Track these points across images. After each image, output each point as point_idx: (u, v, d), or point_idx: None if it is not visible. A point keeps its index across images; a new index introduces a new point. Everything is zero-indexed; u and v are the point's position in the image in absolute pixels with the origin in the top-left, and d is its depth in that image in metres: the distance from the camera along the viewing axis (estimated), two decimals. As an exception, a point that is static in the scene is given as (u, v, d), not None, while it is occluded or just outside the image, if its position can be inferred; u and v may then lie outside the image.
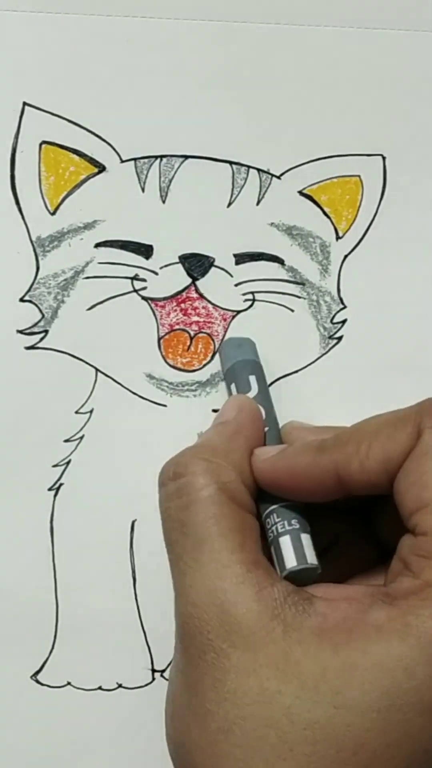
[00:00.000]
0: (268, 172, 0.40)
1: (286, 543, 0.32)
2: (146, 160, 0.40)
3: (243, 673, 0.28)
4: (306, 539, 0.33)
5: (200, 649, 0.29)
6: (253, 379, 0.38)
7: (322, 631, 0.28)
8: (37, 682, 0.40)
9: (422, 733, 0.27)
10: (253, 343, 0.40)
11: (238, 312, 0.40)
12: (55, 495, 0.40)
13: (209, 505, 0.31)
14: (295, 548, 0.32)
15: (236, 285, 0.40)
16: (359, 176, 0.40)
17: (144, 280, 0.40)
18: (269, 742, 0.27)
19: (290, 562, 0.32)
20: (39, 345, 0.40)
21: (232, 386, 0.38)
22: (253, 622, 0.28)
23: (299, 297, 0.41)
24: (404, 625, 0.27)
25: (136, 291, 0.40)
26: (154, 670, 0.40)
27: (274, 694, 0.27)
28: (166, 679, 0.40)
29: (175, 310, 0.40)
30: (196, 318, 0.40)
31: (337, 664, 0.27)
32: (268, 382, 0.40)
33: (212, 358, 0.40)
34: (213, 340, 0.40)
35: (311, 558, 0.32)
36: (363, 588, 0.30)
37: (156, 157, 0.40)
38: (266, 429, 0.36)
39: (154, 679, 0.40)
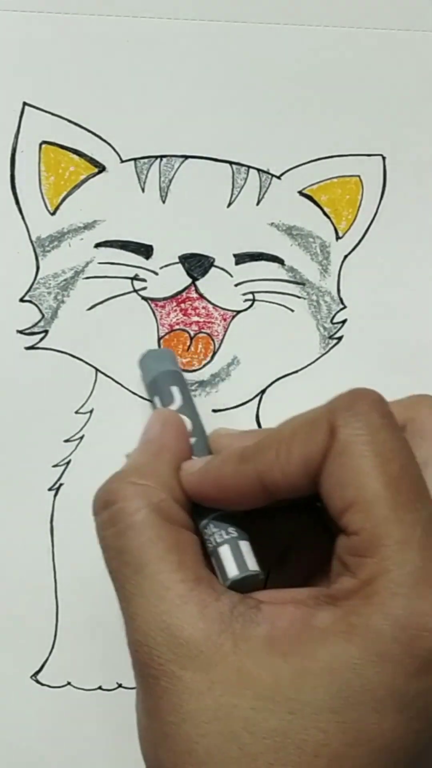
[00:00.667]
0: (268, 172, 0.40)
1: (225, 552, 0.32)
2: (146, 160, 0.40)
3: (197, 693, 0.28)
4: (245, 546, 0.32)
5: (153, 675, 0.29)
6: (175, 389, 0.37)
7: (271, 639, 0.28)
8: (37, 682, 0.40)
9: (380, 729, 0.27)
10: (172, 353, 0.39)
11: (238, 312, 0.40)
12: (55, 495, 0.40)
13: (144, 529, 0.31)
14: (235, 557, 0.32)
15: (236, 285, 0.40)
16: (359, 176, 0.40)
17: (144, 280, 0.40)
18: (232, 755, 0.27)
19: (231, 571, 0.31)
20: (39, 345, 0.40)
21: (156, 399, 0.37)
22: (201, 641, 0.28)
23: (299, 297, 0.41)
24: (348, 625, 0.27)
25: (136, 291, 0.40)
26: (154, 670, 0.40)
27: (230, 709, 0.27)
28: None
29: (175, 310, 0.40)
30: (196, 318, 0.40)
31: (288, 672, 0.27)
32: (269, 382, 0.40)
33: (212, 358, 0.40)
34: (213, 340, 0.40)
35: (252, 565, 0.32)
36: (308, 590, 0.30)
37: (156, 157, 0.40)
38: (193, 440, 0.36)
39: (154, 679, 0.40)
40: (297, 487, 0.30)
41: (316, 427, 0.30)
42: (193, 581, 0.30)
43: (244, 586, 0.31)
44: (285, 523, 0.35)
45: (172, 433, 0.35)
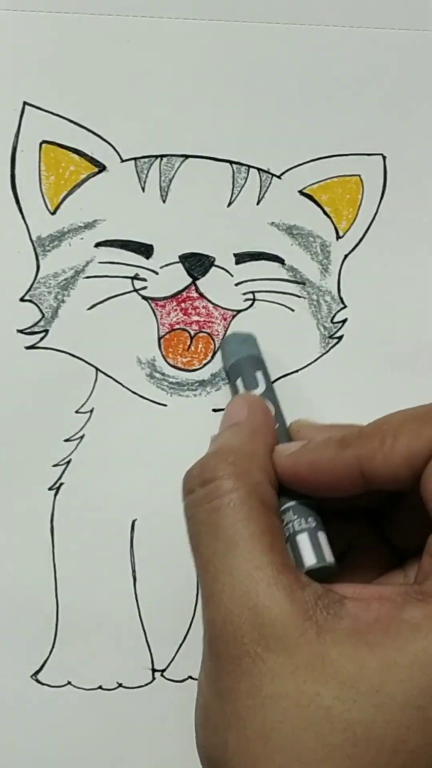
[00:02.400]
0: (268, 172, 0.40)
1: (303, 540, 0.32)
2: (146, 160, 0.40)
3: (280, 676, 0.27)
4: (323, 537, 0.32)
5: (234, 654, 0.28)
6: (260, 375, 0.38)
7: (357, 631, 0.28)
8: (38, 681, 0.40)
9: None
10: (255, 338, 0.39)
11: (239, 311, 0.40)
12: (56, 494, 0.40)
13: (239, 508, 0.31)
14: (313, 546, 0.32)
15: (236, 284, 0.40)
16: (359, 176, 0.40)
17: (144, 279, 0.40)
18: (309, 745, 0.27)
19: (309, 560, 0.31)
20: (39, 344, 0.40)
21: (238, 382, 0.38)
22: (288, 624, 0.28)
23: (299, 296, 0.41)
24: None
25: (136, 290, 0.40)
26: (154, 670, 0.40)
27: (313, 696, 0.27)
28: (167, 679, 0.40)
29: (176, 310, 0.40)
30: (196, 317, 0.40)
31: (374, 663, 0.27)
32: (270, 381, 0.40)
33: (212, 357, 0.40)
34: (213, 339, 0.40)
35: (329, 557, 0.32)
36: (394, 587, 0.30)
37: (156, 156, 0.40)
38: (276, 426, 0.36)
39: (154, 678, 0.40)
40: (397, 479, 0.30)
41: (428, 421, 0.30)
42: (282, 565, 0.29)
43: (316, 577, 0.31)
44: (342, 526, 0.35)
45: (261, 418, 0.35)
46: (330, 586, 0.30)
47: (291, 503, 0.33)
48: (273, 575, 0.29)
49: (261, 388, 0.37)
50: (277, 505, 0.33)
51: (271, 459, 0.34)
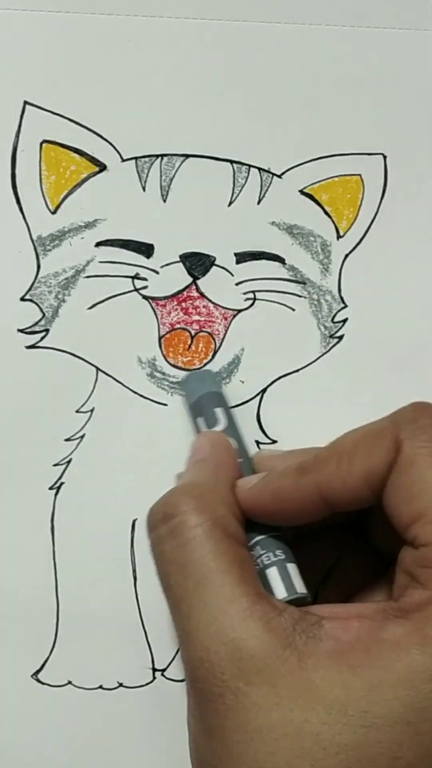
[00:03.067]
0: (269, 171, 0.40)
1: (273, 574, 0.32)
2: (147, 159, 0.40)
3: (265, 708, 0.27)
4: (292, 569, 0.32)
5: (216, 692, 0.28)
6: (219, 411, 0.38)
7: (338, 653, 0.28)
8: (38, 681, 0.40)
9: None
10: (214, 374, 0.40)
11: (239, 311, 0.40)
12: (56, 494, 0.40)
13: (206, 542, 0.30)
14: (283, 578, 0.32)
15: (237, 284, 0.40)
16: (360, 175, 0.41)
17: (145, 279, 0.40)
18: None
19: (280, 593, 0.31)
20: (40, 344, 0.40)
21: (199, 420, 0.38)
22: (267, 655, 0.28)
23: (300, 296, 0.41)
24: (423, 637, 0.27)
25: (136, 290, 0.40)
26: (154, 669, 0.40)
27: (301, 724, 0.27)
28: (167, 678, 0.40)
29: (176, 309, 0.40)
30: (196, 317, 0.40)
31: (359, 685, 0.27)
32: (270, 381, 0.40)
33: (213, 357, 0.40)
34: (214, 339, 0.40)
35: (300, 587, 0.32)
36: (372, 605, 0.30)
37: (157, 156, 0.40)
38: (240, 461, 0.36)
39: (154, 678, 0.40)
40: (357, 499, 0.31)
41: (380, 439, 0.30)
42: (255, 596, 0.29)
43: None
44: (329, 542, 0.35)
45: (224, 453, 0.36)
46: (308, 608, 0.30)
47: (258, 537, 0.33)
48: (247, 607, 0.29)
49: (222, 424, 0.37)
50: (244, 536, 0.33)
51: (234, 493, 0.34)
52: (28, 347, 0.40)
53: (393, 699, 0.26)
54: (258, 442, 0.40)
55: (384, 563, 0.34)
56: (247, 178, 0.40)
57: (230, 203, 0.40)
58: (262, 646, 0.28)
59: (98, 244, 0.40)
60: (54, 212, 0.40)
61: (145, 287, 0.40)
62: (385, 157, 0.41)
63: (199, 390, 0.38)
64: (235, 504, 0.33)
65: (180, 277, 0.40)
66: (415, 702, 0.26)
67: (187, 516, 0.31)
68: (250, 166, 0.40)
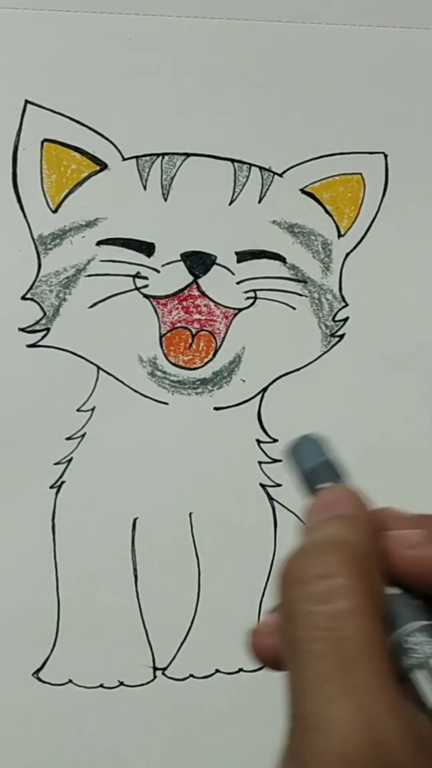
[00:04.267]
0: (269, 170, 0.40)
1: None
2: (148, 158, 0.40)
3: None
4: None
5: None
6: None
7: None
8: (39, 679, 0.40)
9: None
10: (328, 441, 0.34)
11: (240, 310, 0.40)
12: (57, 493, 0.40)
13: (366, 618, 0.25)
14: None
15: (238, 283, 0.40)
16: (361, 174, 0.40)
17: (146, 278, 0.40)
18: None
19: None
20: (41, 343, 0.40)
21: (340, 484, 0.31)
22: (412, 760, 0.23)
23: (301, 295, 0.41)
24: None
25: (137, 289, 0.40)
26: (155, 668, 0.40)
27: None
28: (168, 677, 0.40)
29: (177, 308, 0.40)
30: (197, 316, 0.40)
31: None
32: (271, 380, 0.40)
33: (214, 356, 0.40)
34: (215, 338, 0.40)
35: None
36: None
37: (158, 155, 0.40)
38: None
39: (155, 677, 0.40)
40: None
41: None
42: (398, 691, 0.24)
43: None
44: None
45: (374, 515, 0.29)
46: None
47: (425, 622, 0.27)
48: (395, 703, 0.24)
49: None
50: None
51: (385, 560, 0.28)
52: (29, 346, 0.40)
53: None
54: (258, 441, 0.40)
55: None
56: (248, 177, 0.40)
57: (231, 202, 0.40)
58: (409, 750, 0.24)
59: (99, 243, 0.40)
60: (55, 211, 0.40)
61: (145, 286, 0.40)
62: (386, 156, 0.41)
63: (318, 456, 0.33)
64: (386, 575, 0.27)
65: (181, 276, 0.40)
66: None
67: (351, 581, 0.25)
68: (251, 165, 0.40)
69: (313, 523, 0.29)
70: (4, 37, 0.39)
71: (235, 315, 0.40)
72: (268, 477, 0.40)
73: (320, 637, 0.25)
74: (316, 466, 0.31)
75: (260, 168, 0.40)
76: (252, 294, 0.40)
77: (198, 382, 0.40)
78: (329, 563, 0.26)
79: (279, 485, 0.40)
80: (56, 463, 0.40)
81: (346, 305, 0.41)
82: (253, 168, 0.40)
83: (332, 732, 0.24)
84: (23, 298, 0.40)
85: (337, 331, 0.41)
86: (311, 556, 0.26)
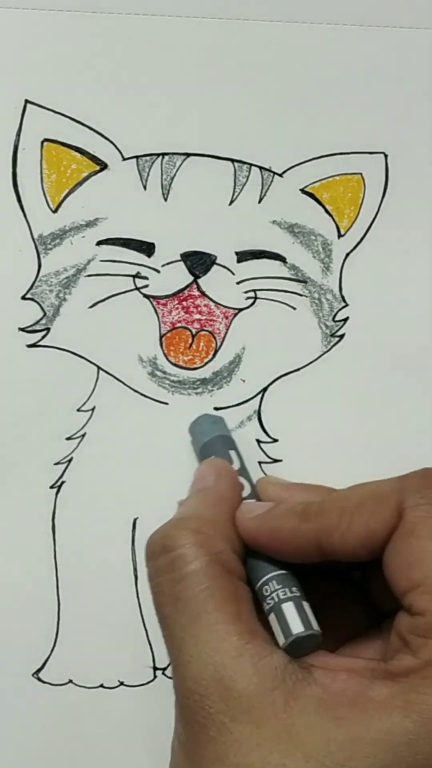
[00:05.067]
0: (270, 170, 0.40)
1: (289, 609, 0.32)
2: (148, 158, 0.40)
3: (245, 747, 0.28)
4: (307, 607, 0.32)
5: (201, 723, 0.29)
6: (234, 454, 0.38)
7: (324, 701, 0.28)
8: (39, 680, 0.40)
9: None
10: (224, 420, 0.39)
11: (240, 310, 0.40)
12: (57, 493, 0.40)
13: (202, 578, 0.31)
14: (300, 615, 0.32)
15: (238, 283, 0.40)
16: (361, 174, 0.40)
17: (146, 278, 0.40)
18: None
19: (296, 627, 0.31)
20: (41, 343, 0.40)
21: (211, 458, 0.38)
22: (254, 695, 0.28)
23: (301, 295, 0.41)
24: (406, 702, 0.27)
25: (137, 289, 0.40)
26: (155, 668, 0.40)
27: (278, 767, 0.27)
28: (168, 677, 0.40)
29: (177, 308, 0.40)
30: (197, 316, 0.40)
31: (340, 738, 0.27)
32: (271, 380, 0.40)
33: (214, 356, 0.40)
34: (215, 338, 0.40)
35: (315, 625, 0.32)
36: (362, 662, 0.30)
37: (158, 154, 0.40)
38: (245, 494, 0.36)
39: (155, 676, 0.40)
40: (353, 555, 0.31)
41: (383, 503, 0.31)
42: (248, 634, 0.30)
43: (297, 649, 0.31)
44: (327, 584, 0.35)
45: (228, 484, 0.36)
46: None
47: (273, 573, 0.33)
48: (239, 645, 0.29)
49: (236, 465, 0.37)
50: (242, 571, 0.33)
51: (234, 526, 0.34)
52: (29, 346, 0.40)
53: (370, 756, 0.27)
54: (259, 441, 0.40)
55: (378, 616, 0.34)
56: (248, 176, 0.40)
57: (231, 202, 0.40)
58: (250, 687, 0.29)
59: (99, 243, 0.40)
60: (55, 211, 0.40)
61: (146, 286, 0.40)
62: (386, 156, 0.41)
63: (211, 432, 0.38)
64: (236, 538, 0.33)
65: (181, 276, 0.40)
66: (391, 763, 0.27)
67: (186, 550, 0.31)
68: (251, 164, 0.40)
69: (184, 498, 0.36)
70: (4, 36, 0.39)
71: (235, 315, 0.40)
72: (269, 477, 0.40)
73: (167, 601, 0.31)
74: (206, 442, 0.36)
75: (260, 168, 0.40)
76: (252, 294, 0.40)
77: (198, 382, 0.40)
78: (170, 539, 0.32)
79: (279, 485, 0.40)
80: (56, 463, 0.40)
81: (346, 305, 0.41)
82: (253, 168, 0.40)
83: (184, 674, 0.30)
84: (23, 297, 0.40)
85: (338, 331, 0.41)
86: (158, 534, 0.33)
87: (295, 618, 0.31)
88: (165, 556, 0.32)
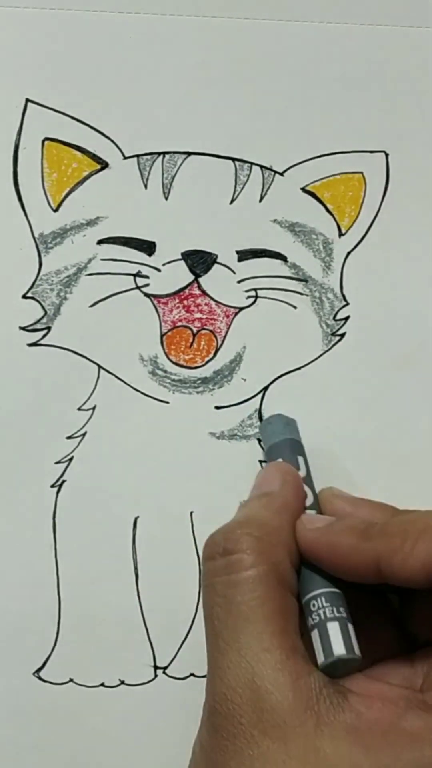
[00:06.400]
0: (270, 169, 0.40)
1: (334, 629, 0.31)
2: (149, 157, 0.40)
3: (272, 762, 0.28)
4: (352, 630, 0.32)
5: (230, 731, 0.28)
6: (301, 460, 0.37)
7: (356, 729, 0.28)
8: (40, 679, 0.40)
9: None
10: (296, 424, 0.39)
11: (241, 309, 0.40)
12: (58, 492, 0.40)
13: (257, 586, 0.31)
14: (344, 636, 0.31)
15: (239, 282, 0.40)
16: (362, 173, 0.40)
17: (146, 276, 0.40)
18: None
19: (338, 649, 0.31)
20: (41, 342, 0.40)
21: (279, 461, 0.37)
22: (287, 712, 0.28)
23: (302, 294, 0.41)
24: None
25: (138, 288, 0.40)
26: (156, 667, 0.40)
27: None
28: (169, 676, 0.40)
29: (178, 307, 0.40)
30: (198, 315, 0.40)
31: (367, 766, 0.27)
32: (272, 379, 0.40)
33: (215, 355, 0.40)
34: (215, 336, 0.40)
35: (357, 650, 0.31)
36: (397, 690, 0.30)
37: (159, 153, 0.40)
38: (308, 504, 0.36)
39: (156, 675, 0.40)
40: (411, 581, 0.30)
41: None
42: (290, 649, 0.29)
43: (336, 670, 0.31)
44: (353, 598, 0.34)
45: (293, 492, 0.35)
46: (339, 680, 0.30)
47: (323, 590, 0.32)
48: (280, 660, 0.29)
49: (302, 472, 0.36)
50: (295, 585, 0.33)
51: (295, 537, 0.33)
52: (30, 345, 0.40)
53: None
54: (260, 440, 0.40)
55: (410, 642, 0.34)
56: (249, 175, 0.40)
57: (232, 201, 0.40)
58: (285, 702, 0.28)
59: (100, 242, 0.40)
60: (56, 210, 0.40)
61: (146, 285, 0.40)
62: (387, 155, 0.41)
63: (283, 433, 0.38)
64: (295, 549, 0.33)
65: (182, 275, 0.40)
66: None
67: (246, 555, 0.31)
68: (252, 163, 0.40)
69: (246, 500, 0.35)
70: (5, 35, 0.39)
71: (236, 314, 0.40)
72: (269, 476, 0.40)
73: (218, 602, 0.31)
74: (275, 443, 0.36)
75: (261, 167, 0.40)
76: (253, 293, 0.40)
77: (199, 381, 0.40)
78: (231, 542, 0.32)
79: (280, 484, 0.40)
80: (57, 462, 0.40)
81: (347, 304, 0.41)
82: (254, 167, 0.40)
83: (221, 677, 0.29)
84: (24, 296, 0.40)
85: (338, 330, 0.41)
86: (219, 534, 0.32)
87: (338, 639, 0.31)
88: (224, 558, 0.32)
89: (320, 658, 0.31)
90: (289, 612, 0.31)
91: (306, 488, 0.36)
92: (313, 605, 0.32)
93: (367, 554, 0.31)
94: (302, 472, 0.37)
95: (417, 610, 0.32)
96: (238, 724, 0.28)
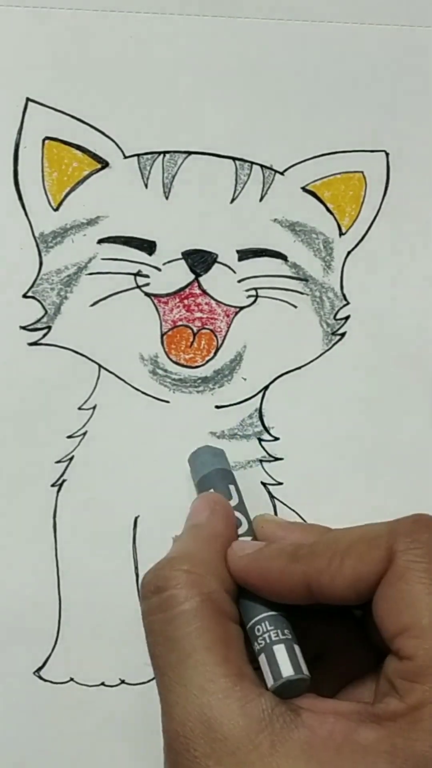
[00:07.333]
0: (271, 168, 0.40)
1: (280, 652, 0.32)
2: (149, 156, 0.40)
3: None
4: (298, 650, 0.32)
5: (186, 766, 0.29)
6: (233, 488, 0.37)
7: (310, 745, 0.28)
8: (40, 678, 0.40)
9: None
10: (225, 453, 0.39)
11: (241, 308, 0.40)
12: (58, 491, 0.40)
13: (192, 618, 0.31)
14: (290, 657, 0.31)
15: (239, 281, 0.40)
16: (362, 172, 0.41)
17: (147, 276, 0.40)
18: None
19: (286, 671, 0.31)
20: (42, 341, 0.40)
21: (209, 491, 0.38)
22: (240, 738, 0.28)
23: (302, 293, 0.41)
24: (392, 746, 0.27)
25: (139, 287, 0.40)
26: (156, 666, 0.40)
27: None
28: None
29: (178, 306, 0.40)
30: (199, 314, 0.40)
31: None
32: (272, 378, 0.40)
33: (215, 354, 0.40)
34: (216, 336, 0.40)
35: (305, 669, 0.32)
36: (351, 705, 0.30)
37: (159, 153, 0.40)
38: (241, 531, 0.36)
39: (156, 675, 0.40)
40: (342, 598, 0.31)
41: (374, 546, 0.31)
42: (236, 676, 0.30)
43: (286, 691, 0.31)
44: (322, 625, 0.35)
45: (223, 521, 0.36)
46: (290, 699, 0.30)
47: (266, 614, 0.33)
48: (226, 687, 0.29)
49: (234, 500, 0.37)
50: (235, 611, 0.33)
51: (227, 564, 0.34)
52: (31, 344, 0.40)
53: None
54: (260, 439, 0.40)
55: (376, 657, 0.34)
56: (249, 175, 0.40)
57: (232, 200, 0.40)
58: (236, 730, 0.28)
59: (100, 241, 0.40)
60: (56, 209, 0.40)
61: (147, 284, 0.40)
62: (387, 154, 0.41)
63: (212, 464, 0.38)
64: (228, 577, 0.33)
65: (182, 275, 0.40)
66: None
67: (177, 590, 0.32)
68: (252, 163, 0.40)
69: (179, 534, 0.36)
70: (5, 35, 0.39)
71: (237, 313, 0.40)
72: (270, 475, 0.40)
73: (158, 641, 0.32)
74: (204, 474, 0.36)
75: (261, 166, 0.40)
76: (253, 292, 0.40)
77: (199, 381, 0.40)
78: (162, 579, 0.32)
79: (280, 483, 0.40)
80: (57, 462, 0.40)
81: (347, 303, 0.41)
82: (254, 166, 0.40)
83: (171, 714, 0.30)
84: (24, 296, 0.40)
85: (339, 329, 0.41)
86: (151, 574, 0.33)
87: (285, 660, 0.31)
88: (157, 596, 0.32)
89: (269, 681, 0.31)
90: (231, 639, 0.31)
91: (239, 515, 0.36)
92: (258, 630, 0.32)
93: (296, 576, 0.31)
94: (234, 501, 0.37)
95: (370, 623, 0.32)
96: (192, 757, 0.29)
